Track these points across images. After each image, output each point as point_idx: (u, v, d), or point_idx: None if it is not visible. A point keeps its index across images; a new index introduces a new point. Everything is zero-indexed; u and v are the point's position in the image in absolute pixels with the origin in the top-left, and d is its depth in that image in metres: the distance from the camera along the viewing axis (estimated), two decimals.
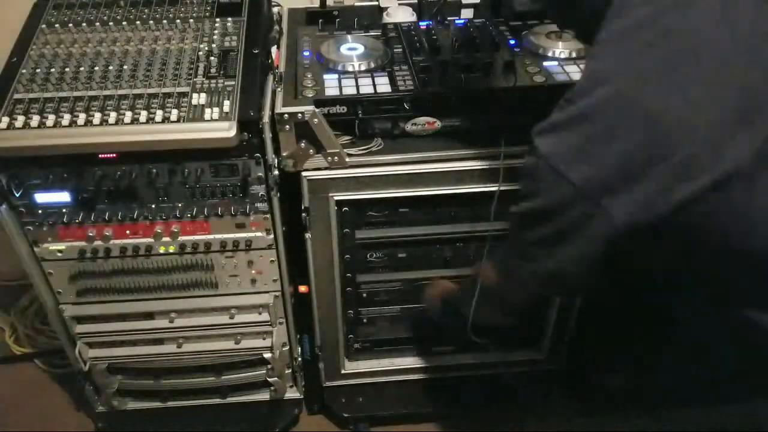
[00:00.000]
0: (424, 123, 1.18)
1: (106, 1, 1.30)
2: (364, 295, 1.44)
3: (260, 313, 1.35)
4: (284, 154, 1.14)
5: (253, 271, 1.30)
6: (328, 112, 1.11)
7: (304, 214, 1.22)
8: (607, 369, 1.57)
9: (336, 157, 1.15)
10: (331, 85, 1.15)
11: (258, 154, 1.14)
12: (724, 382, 1.60)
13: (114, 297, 1.30)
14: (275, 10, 1.45)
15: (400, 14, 1.40)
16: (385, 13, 1.41)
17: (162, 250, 1.24)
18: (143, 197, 1.17)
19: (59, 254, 1.22)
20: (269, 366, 1.43)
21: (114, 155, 1.10)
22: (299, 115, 1.09)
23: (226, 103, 1.09)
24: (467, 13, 1.41)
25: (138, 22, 1.25)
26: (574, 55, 1.21)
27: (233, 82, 1.13)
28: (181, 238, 1.23)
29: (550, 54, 1.21)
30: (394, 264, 1.40)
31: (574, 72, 1.17)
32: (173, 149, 1.09)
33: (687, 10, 0.66)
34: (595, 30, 0.72)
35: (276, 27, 1.38)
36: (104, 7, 1.29)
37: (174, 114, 1.07)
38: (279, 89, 1.15)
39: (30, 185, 1.13)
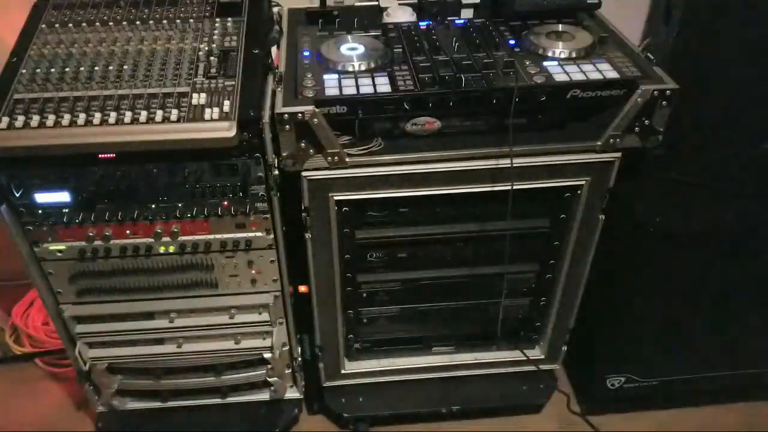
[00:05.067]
0: (424, 123, 1.18)
1: (106, 1, 1.30)
2: (364, 295, 1.44)
3: (260, 313, 1.35)
4: (284, 154, 1.14)
5: (253, 271, 1.30)
6: (328, 112, 1.11)
7: (304, 214, 1.22)
8: (607, 369, 1.57)
9: (336, 157, 1.15)
10: (331, 85, 1.15)
11: (258, 154, 1.14)
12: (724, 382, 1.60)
13: (114, 297, 1.30)
14: (275, 10, 1.45)
15: (400, 14, 1.40)
16: (385, 13, 1.41)
17: (162, 250, 1.24)
18: (143, 197, 1.17)
19: (59, 254, 1.22)
20: (269, 366, 1.43)
21: (113, 155, 1.10)
22: (299, 115, 1.09)
23: (226, 103, 1.09)
24: (467, 13, 1.41)
25: (138, 22, 1.25)
26: (574, 55, 1.21)
27: (233, 82, 1.13)
28: (181, 238, 1.23)
29: (550, 54, 1.21)
30: (394, 264, 1.39)
31: (574, 72, 1.16)
32: (173, 149, 1.09)
33: None
34: None
35: (276, 27, 1.38)
36: (104, 7, 1.29)
37: (174, 114, 1.07)
38: (279, 89, 1.15)
39: (30, 185, 1.13)
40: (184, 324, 1.34)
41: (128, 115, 1.07)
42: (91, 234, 1.20)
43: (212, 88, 1.11)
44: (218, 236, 1.23)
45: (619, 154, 1.21)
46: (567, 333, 1.52)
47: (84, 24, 1.24)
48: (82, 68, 1.15)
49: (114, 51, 1.19)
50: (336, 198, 1.21)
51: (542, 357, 1.57)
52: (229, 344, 1.38)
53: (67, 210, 1.17)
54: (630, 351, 1.53)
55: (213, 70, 1.15)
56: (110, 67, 1.15)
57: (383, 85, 1.15)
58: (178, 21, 1.25)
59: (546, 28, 1.28)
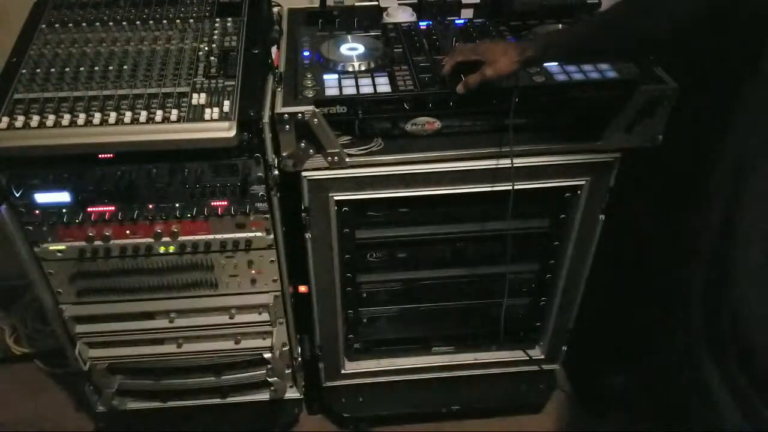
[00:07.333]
0: (424, 123, 1.18)
1: (106, 1, 1.30)
2: (364, 295, 1.44)
3: (260, 313, 1.35)
4: (284, 154, 1.14)
5: (253, 271, 1.30)
6: (328, 112, 1.11)
7: (304, 214, 1.22)
8: (607, 369, 1.57)
9: (336, 157, 1.15)
10: (331, 85, 1.15)
11: (258, 154, 1.14)
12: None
13: (114, 297, 1.30)
14: (275, 10, 1.45)
15: (400, 14, 1.40)
16: (385, 13, 1.41)
17: (162, 250, 1.24)
18: (143, 197, 1.17)
19: (59, 254, 1.22)
20: (269, 366, 1.43)
21: (113, 155, 1.10)
22: (299, 115, 1.09)
23: (226, 103, 1.09)
24: (467, 13, 1.41)
25: (138, 22, 1.25)
26: None
27: (233, 82, 1.13)
28: (181, 238, 1.23)
29: None
30: (394, 264, 1.40)
31: (574, 72, 1.17)
32: (173, 149, 1.09)
33: None
34: None
35: (276, 27, 1.38)
36: (104, 7, 1.29)
37: (174, 114, 1.07)
38: (279, 89, 1.15)
39: (30, 185, 1.13)
40: (184, 324, 1.34)
41: (128, 115, 1.07)
42: (91, 234, 1.20)
43: (212, 88, 1.11)
44: (218, 236, 1.23)
45: (619, 154, 1.21)
46: (567, 333, 1.52)
47: (84, 24, 1.24)
48: (82, 68, 1.15)
49: (114, 51, 1.19)
50: (336, 198, 1.21)
51: (542, 357, 1.57)
52: (229, 344, 1.38)
53: (67, 210, 1.17)
54: (629, 351, 1.53)
55: (213, 70, 1.15)
56: (110, 67, 1.15)
57: (383, 85, 1.15)
58: (178, 21, 1.25)
59: (546, 27, 1.28)
